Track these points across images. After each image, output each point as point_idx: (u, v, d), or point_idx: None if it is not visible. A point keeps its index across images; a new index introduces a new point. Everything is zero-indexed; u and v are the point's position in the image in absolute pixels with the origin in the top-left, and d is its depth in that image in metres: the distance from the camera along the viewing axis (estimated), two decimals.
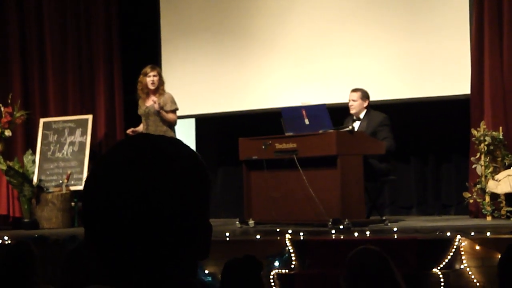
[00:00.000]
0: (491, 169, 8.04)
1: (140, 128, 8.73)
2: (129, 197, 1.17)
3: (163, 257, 1.19)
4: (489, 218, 7.94)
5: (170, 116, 8.53)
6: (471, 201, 8.23)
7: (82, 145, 9.77)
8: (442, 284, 6.10)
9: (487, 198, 7.99)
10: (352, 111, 8.22)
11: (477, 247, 6.24)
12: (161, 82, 8.54)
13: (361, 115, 8.20)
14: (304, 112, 7.77)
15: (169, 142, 1.24)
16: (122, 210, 1.17)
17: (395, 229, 7.07)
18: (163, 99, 8.49)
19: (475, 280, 6.14)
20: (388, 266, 3.41)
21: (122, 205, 1.17)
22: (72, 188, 9.48)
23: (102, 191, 1.19)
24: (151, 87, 8.50)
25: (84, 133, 9.80)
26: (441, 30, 8.77)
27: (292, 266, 6.69)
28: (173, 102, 8.56)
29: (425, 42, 8.85)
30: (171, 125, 8.60)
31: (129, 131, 8.74)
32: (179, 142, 1.25)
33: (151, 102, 8.50)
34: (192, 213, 1.21)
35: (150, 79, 8.49)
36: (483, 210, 8.03)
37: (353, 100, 8.21)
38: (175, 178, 1.19)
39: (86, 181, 1.24)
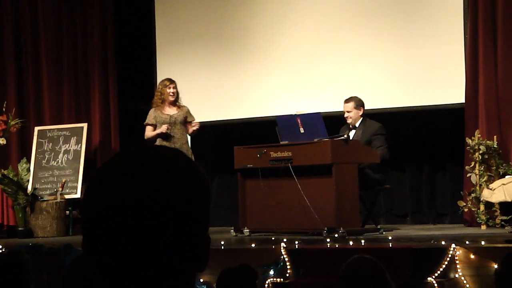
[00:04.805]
0: (485, 178, 8.05)
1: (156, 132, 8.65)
2: (128, 206, 1.18)
3: (161, 268, 1.19)
4: (483, 227, 7.94)
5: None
6: (465, 210, 8.24)
7: (77, 153, 9.76)
8: None
9: (482, 207, 8.00)
10: (348, 121, 8.23)
11: (472, 256, 6.23)
12: (178, 95, 8.71)
13: (357, 124, 8.21)
14: (299, 121, 7.78)
15: (170, 153, 1.25)
16: (122, 219, 1.17)
17: (390, 237, 7.09)
18: (186, 111, 8.67)
19: None
20: (382, 275, 3.41)
21: (121, 213, 1.18)
22: (67, 196, 9.46)
23: (102, 199, 1.19)
24: (171, 98, 8.63)
25: (79, 141, 9.78)
26: (435, 39, 8.79)
27: (287, 274, 6.67)
28: (191, 114, 8.75)
29: (420, 51, 8.87)
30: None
31: (158, 131, 8.58)
32: (180, 152, 1.26)
33: (175, 111, 8.62)
34: (191, 223, 1.21)
35: (170, 90, 8.65)
36: (477, 219, 8.04)
37: (348, 111, 8.23)
38: (176, 188, 1.20)
39: (85, 189, 1.24)
